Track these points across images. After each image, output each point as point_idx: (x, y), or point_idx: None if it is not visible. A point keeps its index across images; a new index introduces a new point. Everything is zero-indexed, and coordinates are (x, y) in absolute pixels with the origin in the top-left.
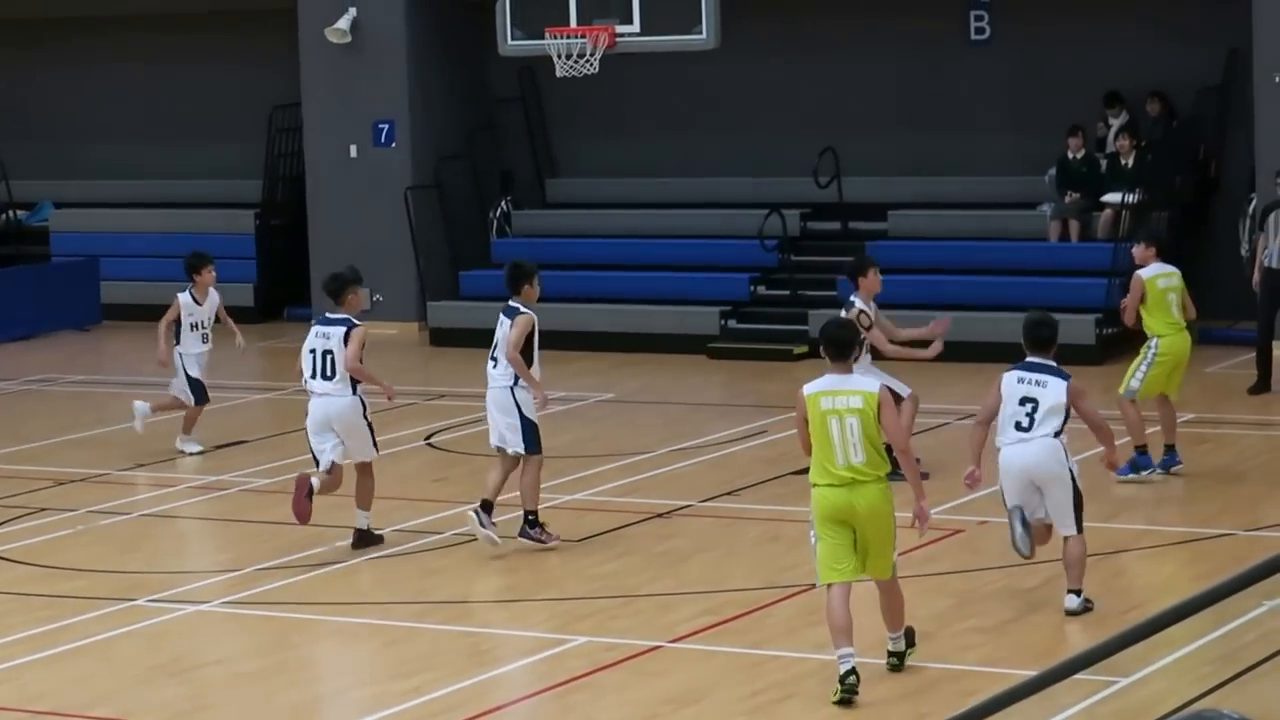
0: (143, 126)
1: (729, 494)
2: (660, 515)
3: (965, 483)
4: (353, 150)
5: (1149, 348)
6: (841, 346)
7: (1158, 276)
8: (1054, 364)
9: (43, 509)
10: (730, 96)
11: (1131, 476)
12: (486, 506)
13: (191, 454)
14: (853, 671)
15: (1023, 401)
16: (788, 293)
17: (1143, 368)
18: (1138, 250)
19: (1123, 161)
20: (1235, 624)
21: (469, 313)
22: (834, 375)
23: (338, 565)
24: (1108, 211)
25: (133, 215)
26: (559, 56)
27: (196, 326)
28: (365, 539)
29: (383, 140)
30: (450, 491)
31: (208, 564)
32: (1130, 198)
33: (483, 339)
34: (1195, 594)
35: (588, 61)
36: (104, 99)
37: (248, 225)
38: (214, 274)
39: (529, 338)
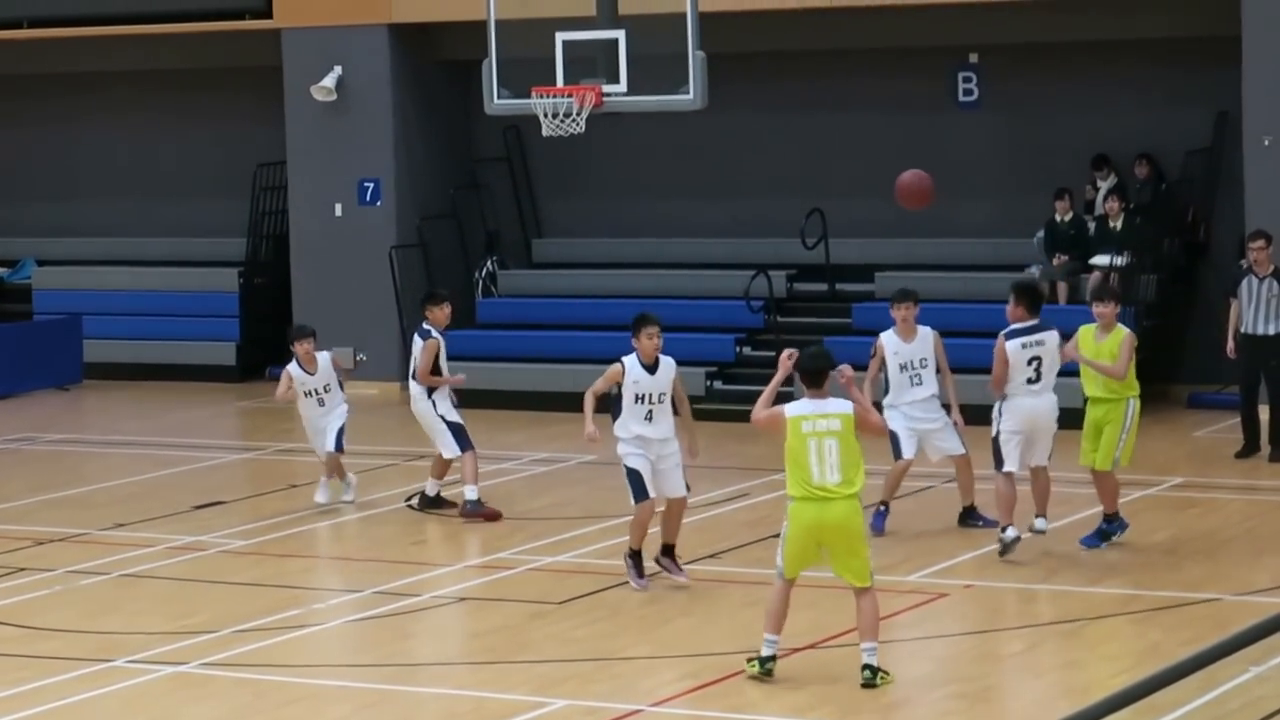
0: (127, 184)
1: (711, 556)
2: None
3: None
4: (337, 209)
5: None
6: (816, 375)
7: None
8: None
9: (21, 569)
10: (717, 157)
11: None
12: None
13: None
14: (774, 657)
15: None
16: (774, 354)
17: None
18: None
19: (1111, 224)
20: (1222, 690)
21: (456, 371)
22: (811, 400)
23: (316, 627)
24: (1096, 274)
25: (116, 273)
26: (545, 116)
27: (311, 394)
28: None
29: (367, 199)
30: (428, 554)
31: (186, 625)
32: (1119, 260)
33: (466, 400)
34: (1182, 659)
35: (574, 121)
36: (88, 156)
37: (231, 284)
38: (312, 344)
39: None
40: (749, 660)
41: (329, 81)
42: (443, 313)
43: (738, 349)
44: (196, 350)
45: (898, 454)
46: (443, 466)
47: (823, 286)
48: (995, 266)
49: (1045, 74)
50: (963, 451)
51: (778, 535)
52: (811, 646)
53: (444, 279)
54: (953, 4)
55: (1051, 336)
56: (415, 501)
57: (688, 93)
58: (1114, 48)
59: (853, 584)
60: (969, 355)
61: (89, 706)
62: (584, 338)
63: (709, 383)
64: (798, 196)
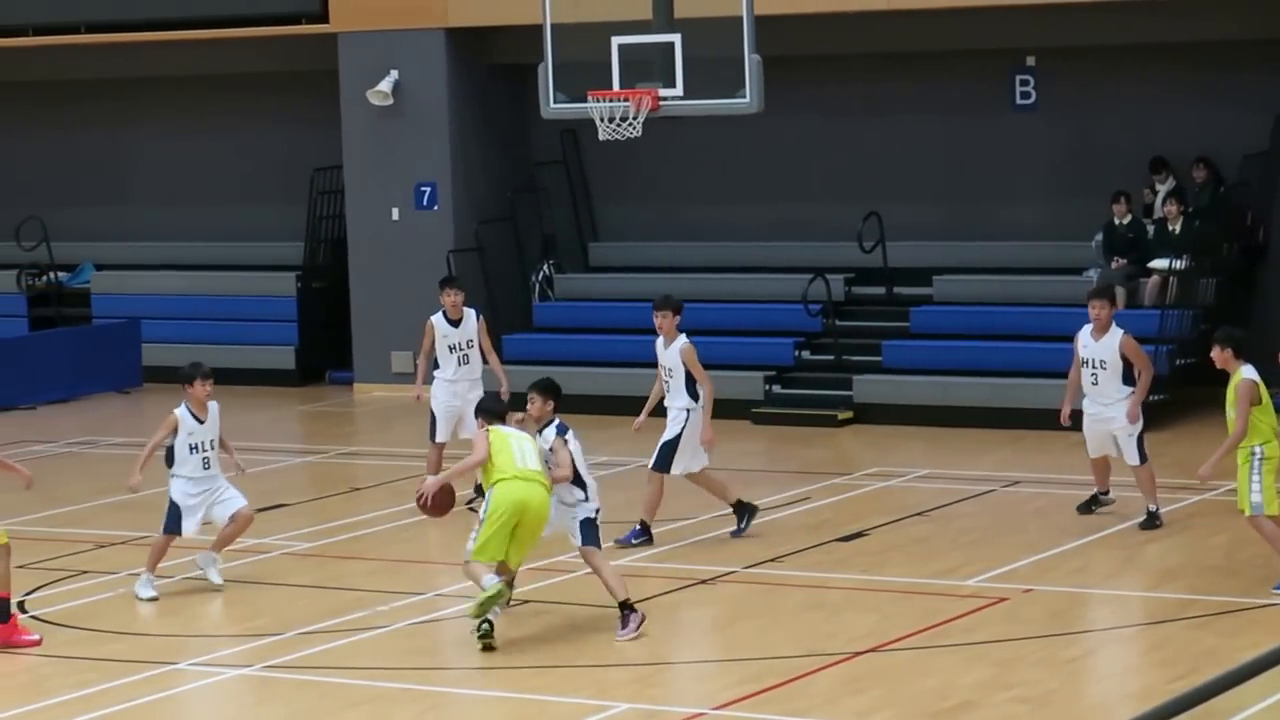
0: (184, 188)
1: (772, 560)
2: (702, 581)
3: None
4: (394, 213)
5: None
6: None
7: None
8: None
9: (83, 571)
10: (774, 160)
11: None
12: None
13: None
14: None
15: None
16: (832, 358)
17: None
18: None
19: (1170, 227)
20: None
21: (511, 375)
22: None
23: (379, 630)
24: (1155, 278)
25: (174, 277)
26: (601, 120)
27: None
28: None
29: (424, 203)
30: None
31: (249, 628)
32: (1177, 264)
33: (525, 401)
34: (1240, 664)
35: (630, 125)
36: (146, 161)
37: (289, 288)
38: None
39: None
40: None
41: (385, 85)
42: (445, 299)
43: (796, 353)
44: (255, 354)
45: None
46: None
47: (881, 290)
48: (1053, 270)
49: (1103, 76)
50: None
51: (840, 539)
52: (873, 650)
53: (500, 282)
54: (1010, 7)
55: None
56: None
57: (744, 96)
58: (1172, 50)
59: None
60: (1025, 358)
61: (152, 709)
62: (640, 341)
63: (767, 387)
64: (855, 199)
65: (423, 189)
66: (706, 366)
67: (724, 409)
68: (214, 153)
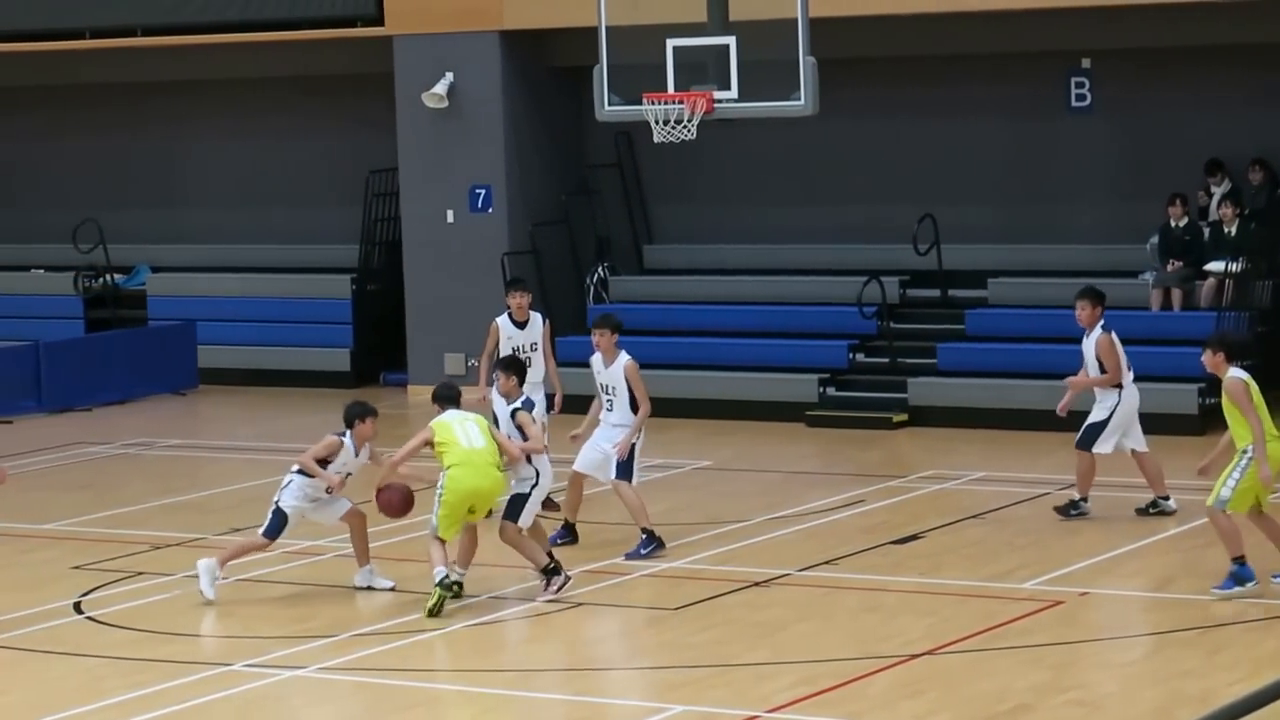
0: (240, 190)
1: (827, 563)
2: (757, 584)
3: None
4: (449, 215)
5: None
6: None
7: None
8: None
9: (139, 573)
10: (829, 162)
11: (1235, 590)
12: None
13: None
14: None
15: None
16: (887, 360)
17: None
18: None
19: (1225, 230)
20: None
21: (565, 378)
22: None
23: (434, 632)
24: (1210, 280)
25: (229, 279)
26: (656, 122)
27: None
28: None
29: (479, 205)
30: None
31: (304, 629)
32: (1233, 266)
33: (579, 405)
34: None
35: (685, 127)
36: (201, 163)
37: (344, 290)
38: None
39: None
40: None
41: (440, 88)
42: (511, 301)
43: (850, 355)
44: (310, 356)
45: None
46: None
47: (935, 292)
48: (1108, 272)
49: (1158, 78)
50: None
51: (895, 542)
52: (929, 653)
53: (555, 285)
54: (1065, 9)
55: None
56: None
57: (799, 98)
58: (1227, 52)
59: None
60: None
61: (206, 710)
62: (696, 344)
63: (822, 389)
64: (910, 202)
65: (477, 191)
66: (761, 369)
67: (778, 411)
68: (269, 155)
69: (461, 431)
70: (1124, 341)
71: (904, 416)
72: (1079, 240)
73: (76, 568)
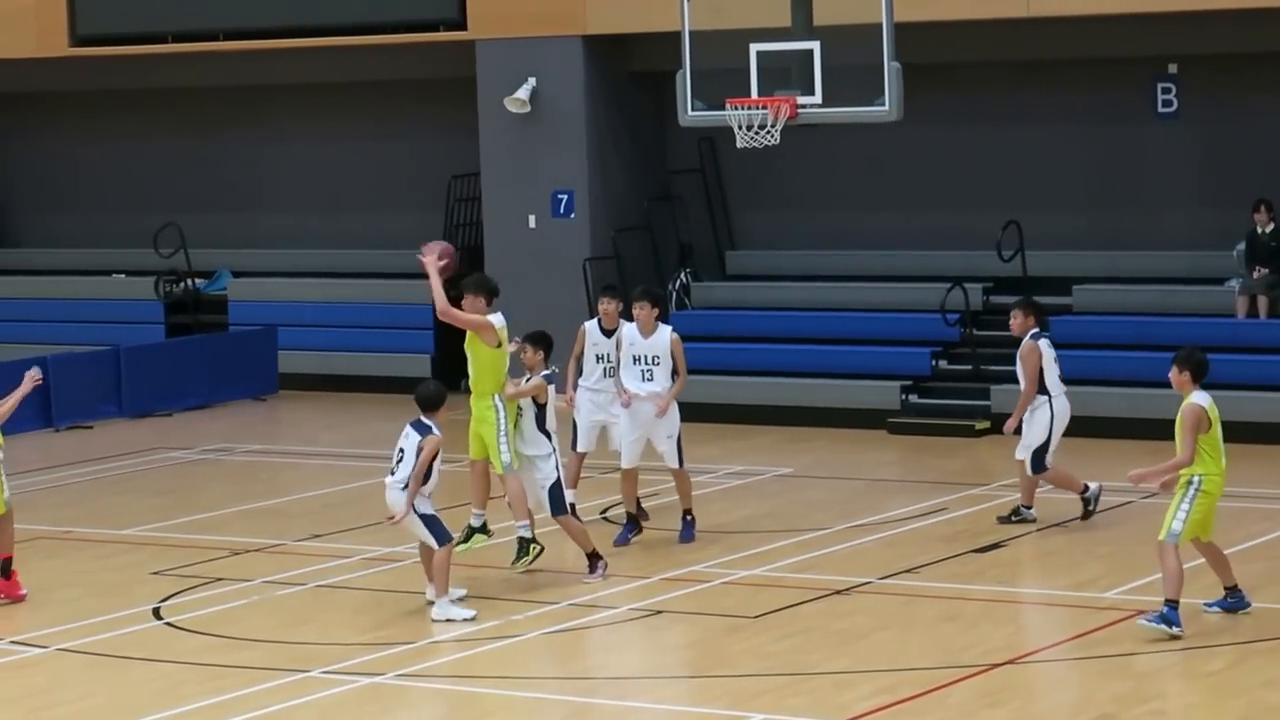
0: (321, 195)
1: (908, 571)
2: (838, 592)
3: None
4: (531, 221)
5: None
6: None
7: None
8: None
9: (218, 578)
10: (912, 169)
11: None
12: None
13: None
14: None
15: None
16: (970, 368)
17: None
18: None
19: None
20: None
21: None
22: None
23: (513, 639)
24: None
25: (310, 285)
26: (739, 127)
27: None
28: None
29: (561, 211)
30: (624, 567)
31: (382, 636)
32: None
33: (705, 413)
34: None
35: (769, 133)
36: (282, 168)
37: (426, 296)
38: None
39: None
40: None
41: (523, 93)
42: (602, 307)
43: (933, 363)
44: (391, 362)
45: None
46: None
47: (1019, 299)
48: (1194, 279)
49: (1245, 84)
50: None
51: (977, 550)
52: (1010, 662)
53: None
54: (1152, 14)
55: None
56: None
57: (883, 104)
58: None
59: None
60: (1164, 369)
61: (285, 717)
62: (778, 350)
63: (904, 396)
64: (993, 208)
65: (560, 197)
66: (842, 376)
67: (860, 419)
68: (351, 160)
69: None
70: (1210, 350)
71: (986, 424)
72: (1164, 247)
73: (156, 573)
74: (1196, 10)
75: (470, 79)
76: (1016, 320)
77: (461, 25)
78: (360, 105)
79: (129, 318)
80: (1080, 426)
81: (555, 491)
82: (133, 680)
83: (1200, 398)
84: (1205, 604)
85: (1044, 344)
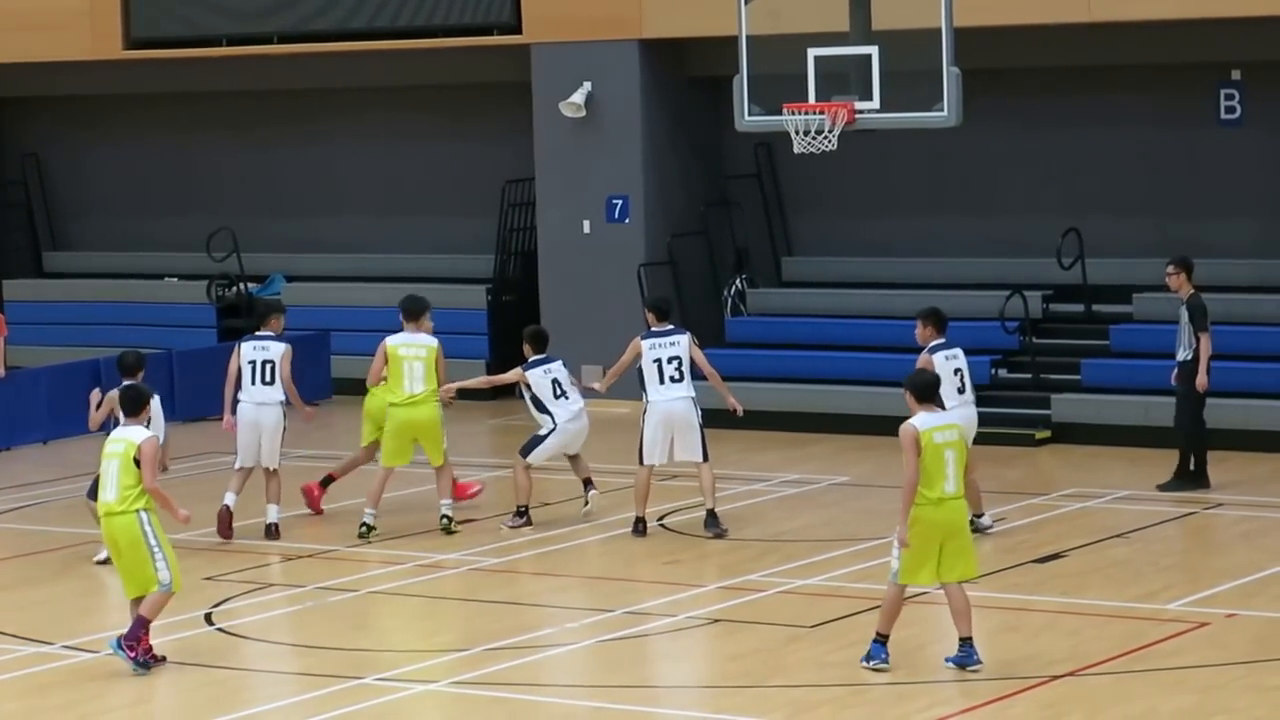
0: (375, 200)
1: (967, 581)
2: None
3: None
4: (585, 226)
5: None
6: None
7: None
8: None
9: (271, 584)
10: (971, 175)
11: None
12: None
13: None
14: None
15: (955, 372)
16: (1029, 376)
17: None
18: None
19: None
20: None
21: (703, 391)
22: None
23: (568, 646)
24: None
25: (364, 289)
26: (797, 133)
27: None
28: None
29: (616, 216)
30: (681, 575)
31: (436, 643)
32: None
33: (718, 419)
34: None
35: (826, 138)
36: (336, 172)
37: (479, 301)
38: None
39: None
40: None
41: (578, 97)
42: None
43: (993, 371)
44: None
45: None
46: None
47: (1079, 308)
48: (1258, 288)
49: None
50: None
51: (1037, 560)
52: (1071, 674)
53: (693, 297)
54: (1215, 19)
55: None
56: (668, 520)
57: (942, 109)
58: None
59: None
60: (1225, 378)
61: None
62: (834, 357)
63: None
64: (1053, 215)
65: (615, 202)
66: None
67: None
68: (405, 164)
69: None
70: (1271, 358)
71: (1047, 433)
72: (1227, 255)
73: (208, 579)
74: (1261, 16)
75: (525, 83)
76: (918, 330)
77: (516, 29)
78: (415, 109)
79: (181, 321)
80: (1141, 436)
81: (533, 442)
82: (186, 686)
83: (919, 420)
84: (947, 659)
85: (935, 357)
